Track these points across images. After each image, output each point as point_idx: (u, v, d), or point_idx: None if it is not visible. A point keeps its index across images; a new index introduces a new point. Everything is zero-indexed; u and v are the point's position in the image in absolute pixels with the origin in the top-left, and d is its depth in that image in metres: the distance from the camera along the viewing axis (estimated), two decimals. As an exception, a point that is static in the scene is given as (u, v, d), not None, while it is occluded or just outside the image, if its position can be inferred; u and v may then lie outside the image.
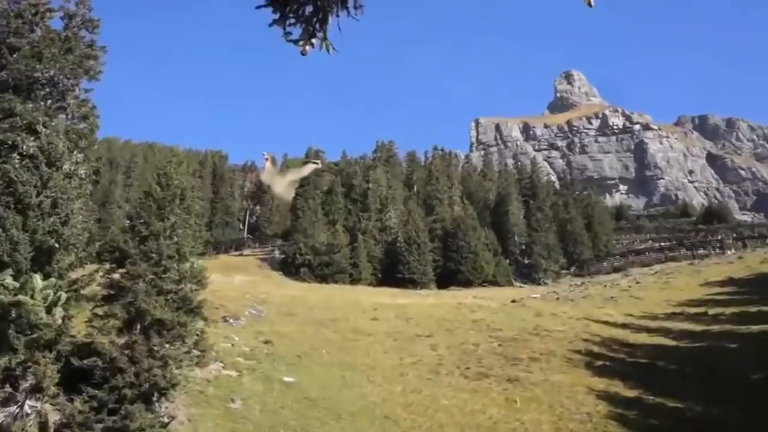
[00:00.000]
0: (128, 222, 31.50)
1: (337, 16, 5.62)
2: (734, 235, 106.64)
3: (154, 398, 23.03)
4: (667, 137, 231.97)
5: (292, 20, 5.57)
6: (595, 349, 37.78)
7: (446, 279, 78.81)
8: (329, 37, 5.69)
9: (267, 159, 28.59)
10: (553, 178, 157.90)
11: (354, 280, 76.46)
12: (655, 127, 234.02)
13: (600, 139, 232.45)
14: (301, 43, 5.62)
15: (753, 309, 47.07)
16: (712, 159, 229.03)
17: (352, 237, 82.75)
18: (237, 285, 52.55)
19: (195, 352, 26.15)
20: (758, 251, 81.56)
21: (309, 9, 5.57)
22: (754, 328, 41.70)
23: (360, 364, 33.87)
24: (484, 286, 77.07)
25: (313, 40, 5.67)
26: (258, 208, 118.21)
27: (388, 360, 35.13)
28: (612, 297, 57.57)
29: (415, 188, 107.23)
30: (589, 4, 5.54)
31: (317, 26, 5.66)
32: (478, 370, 33.39)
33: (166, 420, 22.84)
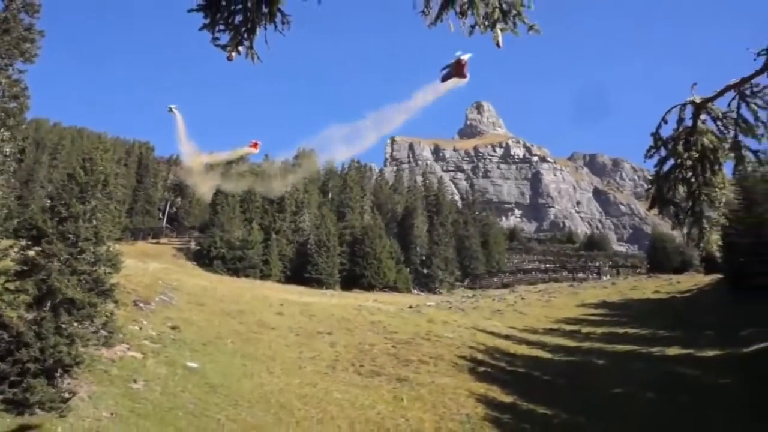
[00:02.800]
0: (49, 202, 30.33)
1: (265, 28, 5.65)
2: (610, 263, 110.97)
3: (57, 374, 22.26)
4: (561, 170, 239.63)
5: (222, 27, 5.56)
6: (480, 356, 38.61)
7: (351, 282, 79.01)
8: (255, 46, 5.74)
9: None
10: (457, 197, 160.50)
11: (264, 276, 75.65)
12: (551, 160, 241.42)
13: (502, 166, 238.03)
14: (228, 48, 5.63)
15: (621, 330, 49.14)
16: (597, 193, 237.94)
17: (267, 235, 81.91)
18: (151, 272, 51.11)
19: (103, 332, 25.39)
20: (629, 279, 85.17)
21: (239, 18, 5.59)
22: (620, 347, 43.55)
23: (262, 355, 33.57)
24: (385, 291, 77.64)
25: (240, 48, 5.69)
26: (179, 200, 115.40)
27: (288, 353, 34.93)
28: (499, 310, 58.92)
29: (330, 195, 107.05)
30: (498, 45, 5.76)
31: (245, 35, 5.68)
32: (372, 368, 33.61)
33: (66, 396, 22.10)
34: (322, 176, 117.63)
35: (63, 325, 22.66)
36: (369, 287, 77.95)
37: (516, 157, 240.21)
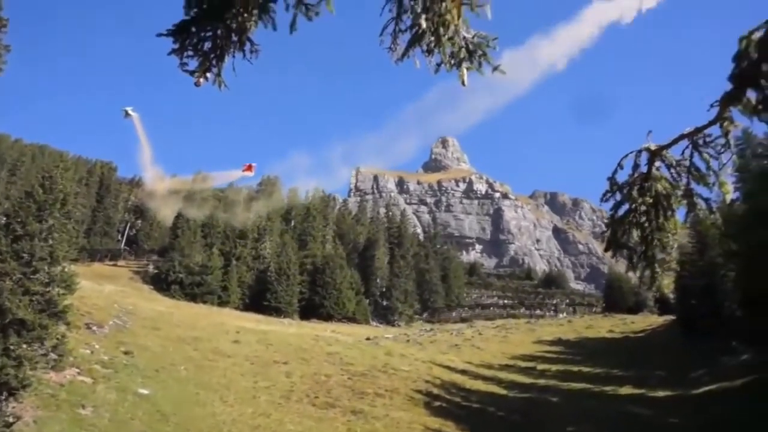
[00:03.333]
0: (4, 219, 29.65)
1: (233, 56, 5.64)
2: (567, 300, 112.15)
3: (2, 397, 21.51)
4: (522, 207, 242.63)
5: (191, 53, 5.53)
6: (435, 390, 38.48)
7: (310, 311, 78.37)
8: (223, 74, 5.71)
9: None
10: (419, 230, 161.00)
11: (222, 303, 74.62)
12: (513, 197, 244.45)
13: (464, 201, 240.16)
14: (196, 74, 5.59)
15: (575, 368, 49.53)
16: (557, 231, 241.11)
17: (227, 261, 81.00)
18: (106, 294, 50.09)
19: (52, 355, 24.67)
20: (585, 317, 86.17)
21: (208, 45, 5.56)
22: (575, 385, 43.87)
23: (216, 383, 32.96)
24: (344, 322, 77.15)
25: (208, 74, 5.66)
26: (139, 222, 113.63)
27: (243, 382, 34.37)
28: (456, 345, 58.96)
29: (293, 223, 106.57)
30: (463, 83, 5.83)
31: (214, 62, 5.65)
32: (327, 400, 33.23)
33: (11, 420, 21.35)
34: (286, 204, 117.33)
35: (11, 347, 21.99)
36: (328, 317, 77.41)
37: (478, 192, 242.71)
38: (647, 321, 75.86)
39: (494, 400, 38.46)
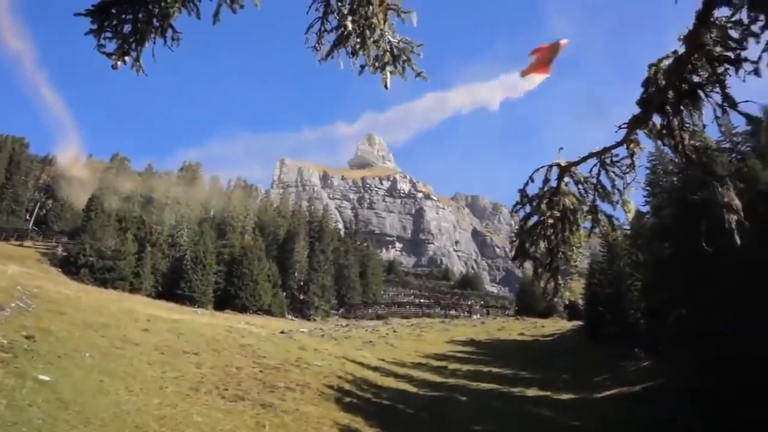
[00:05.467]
0: None
1: (154, 42, 5.52)
2: (482, 302, 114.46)
3: None
4: (443, 209, 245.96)
5: (109, 35, 5.39)
6: (347, 386, 38.56)
7: (224, 302, 77.25)
8: (142, 59, 5.58)
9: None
10: (341, 226, 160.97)
11: (134, 290, 72.59)
12: (435, 198, 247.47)
13: (387, 199, 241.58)
14: (113, 57, 5.44)
15: (485, 369, 50.63)
16: (476, 234, 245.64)
17: (141, 247, 78.81)
18: (10, 275, 47.85)
19: (-54, 337, 23.40)
20: (498, 319, 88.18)
21: (127, 28, 5.42)
22: (484, 385, 44.84)
23: (121, 372, 31.96)
24: (259, 314, 76.45)
25: (126, 58, 5.52)
26: (50, 202, 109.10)
27: (150, 372, 33.47)
28: (371, 341, 59.29)
29: (212, 212, 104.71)
30: (386, 86, 5.89)
31: (133, 46, 5.51)
32: (236, 392, 32.76)
33: None
34: (207, 192, 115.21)
35: None
36: (243, 309, 76.51)
37: (402, 191, 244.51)
38: (557, 325, 78.28)
39: (404, 398, 38.85)
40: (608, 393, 43.00)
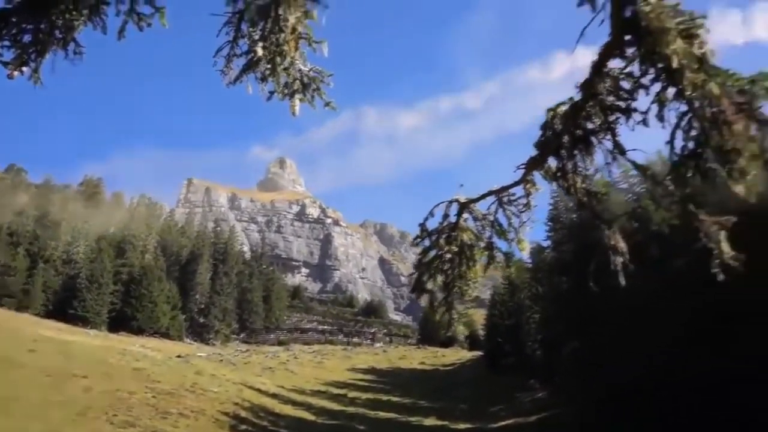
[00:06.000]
0: None
1: (55, 54, 5.32)
2: (385, 330, 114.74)
3: None
4: (351, 235, 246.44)
5: (7, 43, 5.16)
6: (243, 413, 37.74)
7: (120, 323, 74.30)
8: (42, 70, 5.37)
9: None
10: (246, 248, 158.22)
11: (22, 307, 68.70)
12: (344, 225, 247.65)
13: (296, 223, 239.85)
14: (10, 66, 5.21)
15: (385, 398, 50.68)
16: (382, 262, 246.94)
17: (33, 263, 74.94)
18: None
19: None
20: (400, 348, 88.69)
21: (28, 38, 5.21)
22: (383, 414, 44.82)
23: (1, 395, 30.13)
24: (156, 337, 73.92)
25: (24, 68, 5.30)
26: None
27: (34, 395, 31.68)
28: (270, 367, 58.36)
29: (112, 229, 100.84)
30: (293, 114, 5.88)
31: (32, 56, 5.30)
32: (126, 418, 31.42)
33: None
34: (108, 208, 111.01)
35: None
36: (139, 331, 73.75)
37: (310, 216, 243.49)
38: (458, 355, 79.42)
39: (302, 426, 38.38)
40: (504, 423, 43.83)
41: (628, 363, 31.40)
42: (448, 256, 5.06)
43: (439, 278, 5.14)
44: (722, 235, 4.43)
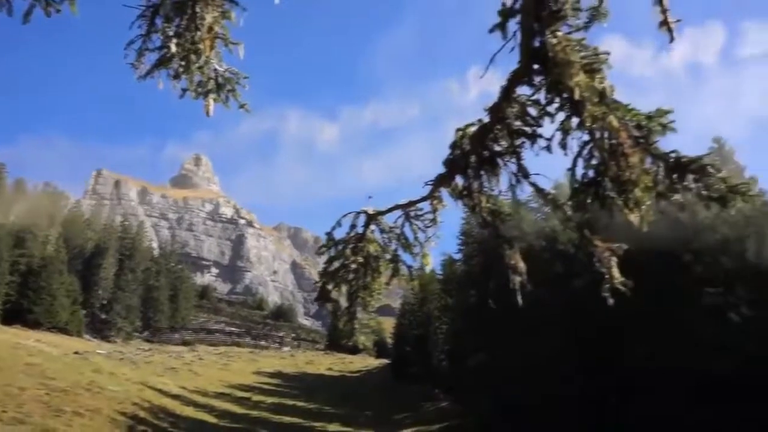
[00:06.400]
0: None
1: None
2: (294, 335, 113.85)
3: None
4: (264, 238, 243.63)
5: None
6: (142, 414, 36.70)
7: (14, 316, 70.59)
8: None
9: None
10: (155, 245, 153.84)
11: None
12: (257, 227, 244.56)
13: (208, 222, 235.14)
14: None
15: (290, 402, 50.28)
16: (295, 266, 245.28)
17: None
18: None
19: None
20: (308, 353, 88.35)
21: None
22: (286, 419, 44.48)
23: None
24: (53, 331, 70.71)
25: None
26: None
27: None
28: (174, 368, 56.96)
29: (12, 217, 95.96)
30: (207, 114, 5.79)
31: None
32: (16, 415, 30.05)
33: None
34: (8, 195, 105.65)
35: None
36: (35, 325, 70.35)
37: (224, 216, 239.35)
38: (365, 362, 79.72)
39: (203, 429, 37.69)
40: (407, 431, 44.28)
41: (529, 376, 32.36)
42: (354, 266, 5.10)
43: (344, 288, 5.17)
44: (614, 261, 4.65)
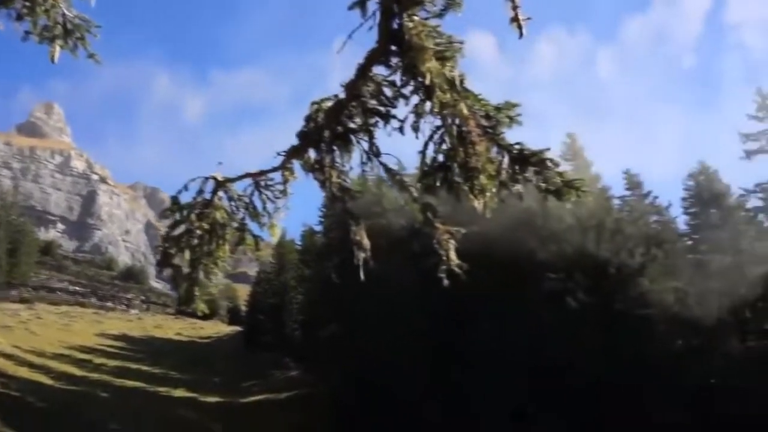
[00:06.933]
0: None
1: None
2: (143, 297, 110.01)
3: None
4: (118, 195, 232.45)
5: None
6: (-32, 373, 34.32)
7: None
8: None
9: None
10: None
11: None
12: (111, 184, 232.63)
13: (57, 175, 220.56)
14: None
15: (134, 366, 48.67)
16: (149, 227, 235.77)
17: None
18: None
19: None
20: (157, 316, 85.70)
21: None
22: (129, 383, 43.07)
23: None
24: None
25: None
26: None
27: None
28: (8, 326, 53.47)
29: None
30: (52, 60, 5.43)
31: None
32: None
33: None
34: None
35: None
36: None
37: (75, 170, 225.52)
38: (216, 328, 78.53)
39: (37, 390, 35.70)
40: (255, 398, 44.22)
41: (381, 350, 33.15)
42: (199, 232, 4.98)
43: (187, 254, 5.04)
44: (452, 244, 4.84)
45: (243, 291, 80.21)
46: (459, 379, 32.07)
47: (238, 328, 73.47)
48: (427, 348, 31.91)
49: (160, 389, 43.14)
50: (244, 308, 77.80)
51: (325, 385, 41.68)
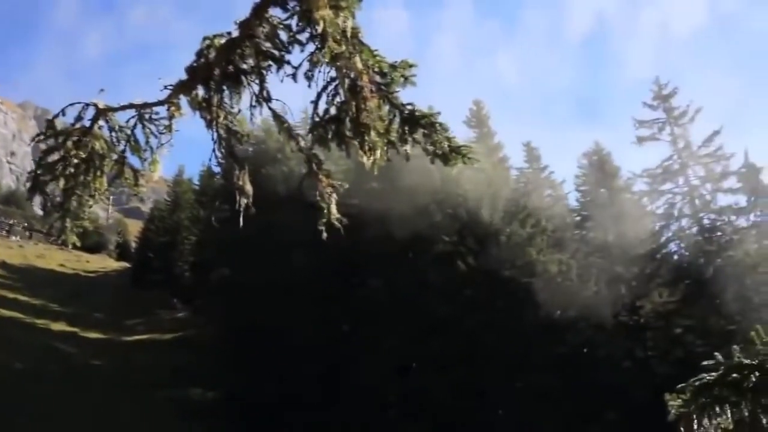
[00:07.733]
0: None
1: None
2: (26, 224, 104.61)
3: None
4: (5, 113, 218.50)
5: None
6: None
7: None
8: None
9: None
10: None
11: None
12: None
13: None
14: None
15: (11, 296, 46.64)
16: (37, 150, 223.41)
17: None
18: None
19: None
20: (40, 246, 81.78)
21: None
22: (5, 312, 41.64)
23: None
24: None
25: None
26: None
27: None
28: None
29: None
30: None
31: None
32: None
33: None
34: None
35: None
36: None
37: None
38: (103, 263, 75.94)
39: None
40: (138, 337, 43.50)
41: (270, 296, 33.18)
42: (75, 161, 4.77)
43: (61, 182, 4.83)
44: (333, 197, 4.87)
45: (135, 227, 77.75)
46: (348, 331, 32.65)
47: (126, 265, 71.33)
48: (317, 298, 32.20)
49: (38, 321, 41.69)
50: (134, 245, 75.53)
51: (213, 327, 41.47)
